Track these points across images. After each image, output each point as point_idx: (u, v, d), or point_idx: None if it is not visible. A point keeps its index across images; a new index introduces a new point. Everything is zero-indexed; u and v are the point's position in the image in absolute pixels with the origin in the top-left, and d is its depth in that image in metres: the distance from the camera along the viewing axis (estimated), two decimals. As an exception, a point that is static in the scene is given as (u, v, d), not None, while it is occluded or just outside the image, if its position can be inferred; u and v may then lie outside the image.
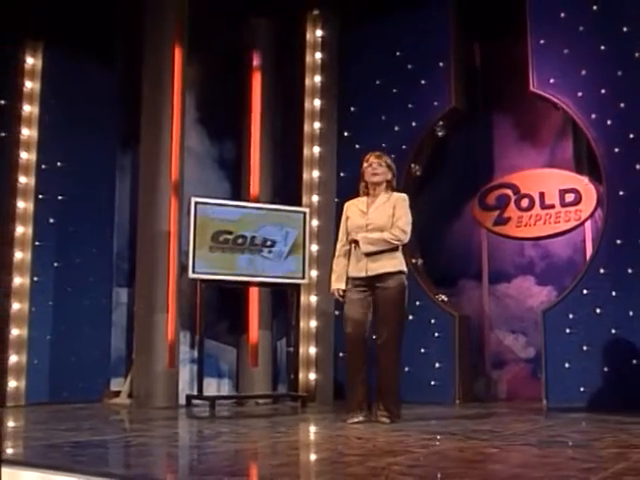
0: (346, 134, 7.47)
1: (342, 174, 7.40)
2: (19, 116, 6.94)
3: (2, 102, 6.88)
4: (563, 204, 7.17)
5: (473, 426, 4.77)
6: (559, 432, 4.58)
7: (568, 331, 6.30)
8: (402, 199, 5.11)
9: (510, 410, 6.00)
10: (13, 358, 6.63)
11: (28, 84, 7.02)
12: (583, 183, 6.99)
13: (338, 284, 5.08)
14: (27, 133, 6.96)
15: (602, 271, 6.21)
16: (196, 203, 6.21)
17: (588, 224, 6.96)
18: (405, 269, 5.04)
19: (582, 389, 6.14)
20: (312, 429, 5.06)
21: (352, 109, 7.49)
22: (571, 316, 6.30)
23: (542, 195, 7.28)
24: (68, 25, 7.02)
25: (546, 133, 7.39)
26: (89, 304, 7.27)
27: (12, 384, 6.60)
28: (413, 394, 6.73)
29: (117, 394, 6.94)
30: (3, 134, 6.84)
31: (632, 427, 4.64)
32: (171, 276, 6.41)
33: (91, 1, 7.02)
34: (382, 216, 5.01)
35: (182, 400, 6.47)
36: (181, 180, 6.65)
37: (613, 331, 6.08)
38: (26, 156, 6.93)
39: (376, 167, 5.11)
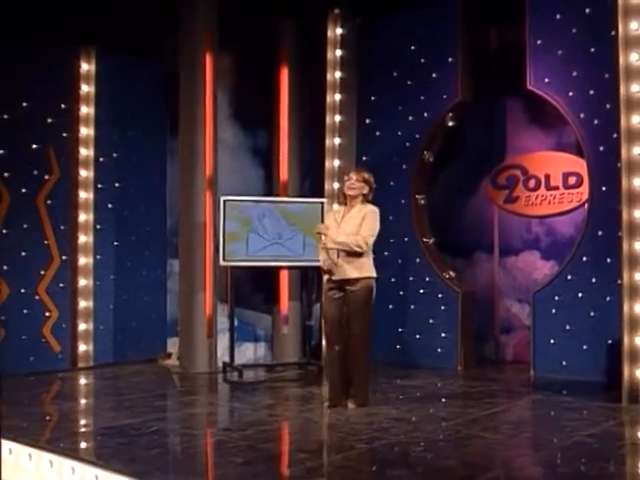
0: (367, 121, 8.19)
1: (364, 158, 8.18)
2: (77, 117, 7.99)
3: (63, 106, 7.92)
4: (566, 186, 7.77)
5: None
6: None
7: (554, 311, 7.03)
8: (372, 212, 5.71)
9: (492, 383, 6.82)
10: (82, 326, 7.90)
11: (84, 87, 8.04)
12: (585, 168, 7.50)
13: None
14: (85, 132, 8.02)
15: (584, 259, 6.86)
16: (225, 201, 7.16)
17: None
18: (372, 275, 5.66)
19: (564, 363, 6.92)
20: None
21: (372, 98, 8.17)
22: (557, 298, 7.02)
23: (547, 177, 7.88)
24: (116, 30, 7.92)
25: (554, 117, 7.87)
26: (146, 275, 8.45)
27: (82, 348, 7.89)
28: (422, 359, 7.72)
29: (169, 356, 8.14)
30: (65, 134, 7.91)
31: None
32: (207, 261, 7.45)
33: (135, 6, 7.84)
34: (351, 226, 5.62)
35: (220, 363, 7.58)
36: (215, 175, 7.58)
37: (592, 314, 6.78)
38: (85, 152, 8.01)
39: (354, 182, 5.74)
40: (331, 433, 5.05)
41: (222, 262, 7.20)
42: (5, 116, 7.47)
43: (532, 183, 7.98)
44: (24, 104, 7.58)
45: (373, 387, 5.99)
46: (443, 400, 5.94)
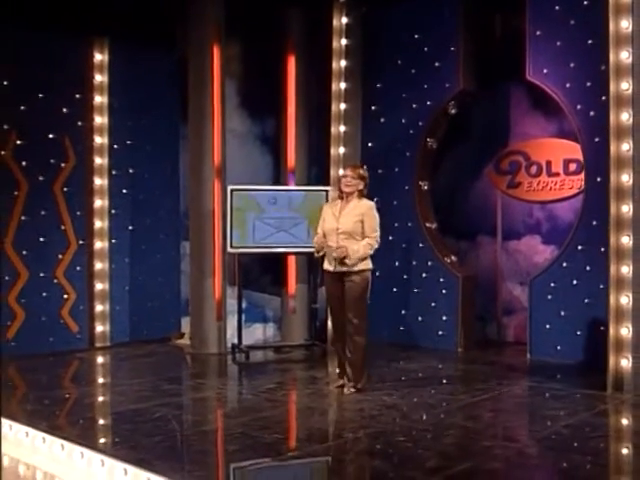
0: (373, 108, 8.38)
1: (370, 144, 8.40)
2: (92, 106, 8.27)
3: (78, 96, 8.20)
4: (567, 173, 7.92)
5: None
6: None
7: (550, 297, 7.25)
8: (370, 209, 5.97)
9: (487, 367, 7.08)
10: (98, 307, 8.28)
11: (98, 77, 8.31)
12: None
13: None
14: (99, 120, 8.31)
15: (580, 248, 7.05)
16: (232, 190, 7.44)
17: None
18: (368, 267, 5.96)
19: (558, 347, 7.16)
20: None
21: (378, 86, 8.35)
22: (552, 285, 7.23)
23: (549, 163, 8.04)
24: (128, 21, 8.15)
25: (555, 104, 7.97)
26: (160, 257, 8.79)
27: (99, 328, 8.28)
28: (424, 341, 8.02)
29: (182, 335, 8.50)
30: (80, 123, 8.21)
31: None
32: (216, 247, 7.76)
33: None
34: (350, 222, 5.90)
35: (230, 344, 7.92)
36: (223, 164, 7.85)
37: (586, 301, 6.98)
38: (100, 140, 8.31)
39: (349, 180, 5.99)
40: (322, 420, 5.36)
41: (229, 249, 7.50)
42: (22, 107, 7.76)
43: (534, 169, 8.15)
44: (40, 95, 7.87)
45: (372, 371, 6.32)
46: (435, 386, 6.20)
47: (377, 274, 7.90)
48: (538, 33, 7.22)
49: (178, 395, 6.07)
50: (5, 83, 7.62)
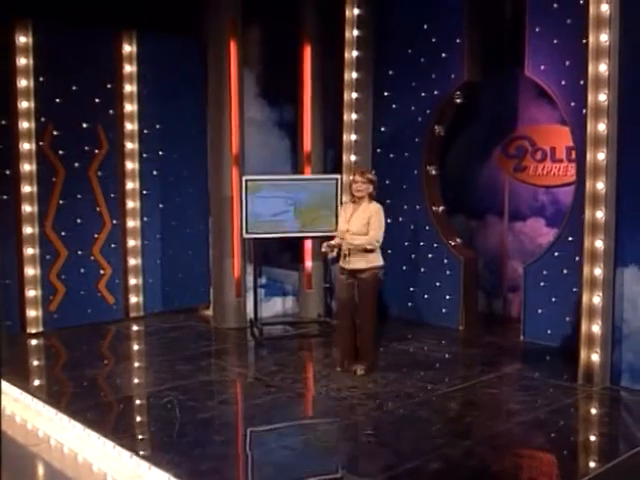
0: (386, 94, 8.76)
1: (382, 129, 8.83)
2: (122, 95, 8.89)
3: (109, 86, 8.83)
4: (569, 160, 8.21)
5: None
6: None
7: (542, 284, 7.68)
8: (377, 212, 6.62)
9: (479, 350, 7.61)
10: (132, 281, 9.07)
11: (127, 68, 8.89)
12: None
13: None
14: (129, 108, 8.93)
15: (570, 239, 7.40)
16: (247, 180, 8.02)
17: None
18: (379, 264, 6.63)
19: (549, 332, 7.61)
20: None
21: (390, 72, 8.70)
22: (545, 272, 7.65)
23: (553, 150, 8.35)
24: (154, 13, 8.65)
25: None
26: (190, 232, 9.49)
27: (133, 300, 9.09)
28: (430, 317, 8.59)
29: (208, 306, 9.23)
30: (111, 111, 8.86)
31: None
32: (235, 230, 8.39)
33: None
34: (359, 224, 6.60)
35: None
36: (241, 153, 8.41)
37: (574, 289, 7.35)
38: (130, 127, 8.95)
39: (359, 185, 6.64)
40: (309, 410, 6.01)
41: (245, 235, 8.13)
42: (57, 100, 8.43)
43: (539, 155, 8.47)
44: (74, 88, 8.51)
45: None
46: (421, 372, 6.78)
47: (389, 252, 8.50)
48: (537, 29, 7.44)
49: (189, 377, 6.73)
50: (41, 79, 8.27)
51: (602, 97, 6.19)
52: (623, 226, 6.25)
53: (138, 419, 5.98)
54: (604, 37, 6.14)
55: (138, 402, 6.23)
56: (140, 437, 5.32)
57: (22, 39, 8.10)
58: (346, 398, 6.13)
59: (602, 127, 6.20)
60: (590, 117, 6.24)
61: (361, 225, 6.59)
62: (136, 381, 6.71)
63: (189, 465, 4.76)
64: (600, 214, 6.26)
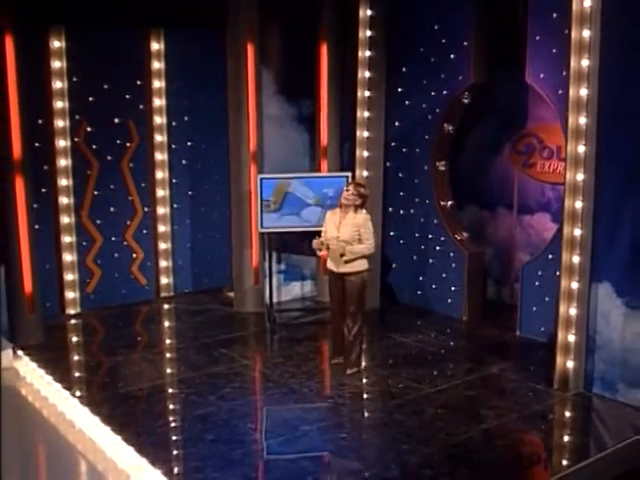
0: (399, 90, 9.08)
1: (396, 124, 9.18)
2: (151, 90, 9.46)
3: (138, 82, 9.40)
4: (574, 159, 8.40)
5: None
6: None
7: (537, 284, 8.03)
8: (365, 220, 7.05)
9: (473, 345, 8.06)
10: (163, 263, 9.80)
11: (155, 64, 9.43)
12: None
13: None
14: (158, 102, 9.51)
15: (562, 244, 7.70)
16: (261, 179, 8.54)
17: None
18: (365, 268, 7.08)
19: (542, 329, 7.99)
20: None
21: (404, 70, 9.00)
22: (540, 273, 7.99)
23: (559, 149, 8.56)
24: (180, 11, 9.10)
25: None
26: (217, 217, 10.11)
27: (164, 281, 9.83)
28: (437, 306, 9.06)
29: (232, 289, 9.88)
30: (141, 106, 9.45)
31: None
32: (253, 223, 8.95)
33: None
34: (348, 232, 7.02)
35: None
36: (259, 150, 8.92)
37: (566, 291, 7.72)
38: (159, 120, 9.54)
39: (349, 195, 7.06)
40: (287, 413, 6.46)
41: (260, 229, 8.69)
42: (90, 99, 9.05)
43: (546, 152, 8.71)
44: (105, 86, 9.11)
45: (372, 345, 7.74)
46: (410, 370, 7.28)
47: (401, 241, 8.98)
48: (537, 38, 7.61)
49: (198, 369, 7.41)
50: (74, 80, 8.89)
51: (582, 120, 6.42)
52: (599, 243, 6.54)
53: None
54: (586, 32, 6.30)
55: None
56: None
57: (56, 44, 8.70)
58: (332, 397, 6.71)
59: (582, 149, 6.46)
60: (570, 139, 6.50)
61: (351, 233, 7.00)
62: (147, 374, 7.40)
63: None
64: (578, 231, 6.56)
